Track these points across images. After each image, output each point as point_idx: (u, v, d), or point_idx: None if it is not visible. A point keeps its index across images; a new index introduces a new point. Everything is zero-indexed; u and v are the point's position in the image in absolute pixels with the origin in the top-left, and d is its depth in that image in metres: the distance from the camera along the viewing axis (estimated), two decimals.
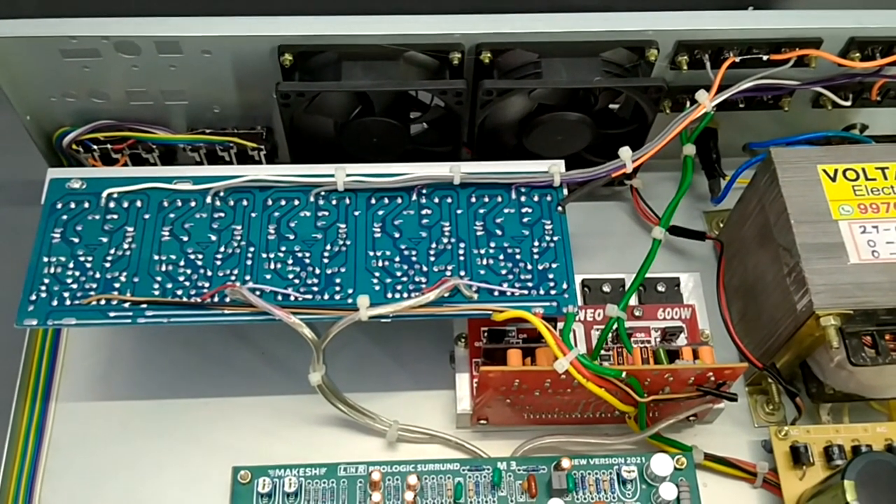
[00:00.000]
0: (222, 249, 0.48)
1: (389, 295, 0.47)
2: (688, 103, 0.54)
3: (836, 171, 0.49)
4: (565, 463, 0.48)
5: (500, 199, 0.50)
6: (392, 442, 0.52)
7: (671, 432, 0.51)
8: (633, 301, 0.53)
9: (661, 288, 0.53)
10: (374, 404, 0.52)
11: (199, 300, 0.46)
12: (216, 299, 0.46)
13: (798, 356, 0.50)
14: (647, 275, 0.51)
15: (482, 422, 0.51)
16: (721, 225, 0.58)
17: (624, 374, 0.45)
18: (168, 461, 0.51)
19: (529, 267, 0.48)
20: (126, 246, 0.48)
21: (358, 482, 0.48)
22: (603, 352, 0.51)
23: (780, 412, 0.53)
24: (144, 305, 0.46)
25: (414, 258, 0.48)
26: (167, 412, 0.52)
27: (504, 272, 0.48)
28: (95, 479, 0.50)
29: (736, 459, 0.50)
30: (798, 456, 0.48)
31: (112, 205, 0.49)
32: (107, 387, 0.53)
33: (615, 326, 0.50)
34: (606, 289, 0.53)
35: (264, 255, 0.48)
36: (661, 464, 0.47)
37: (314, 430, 0.52)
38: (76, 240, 0.48)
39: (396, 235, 0.49)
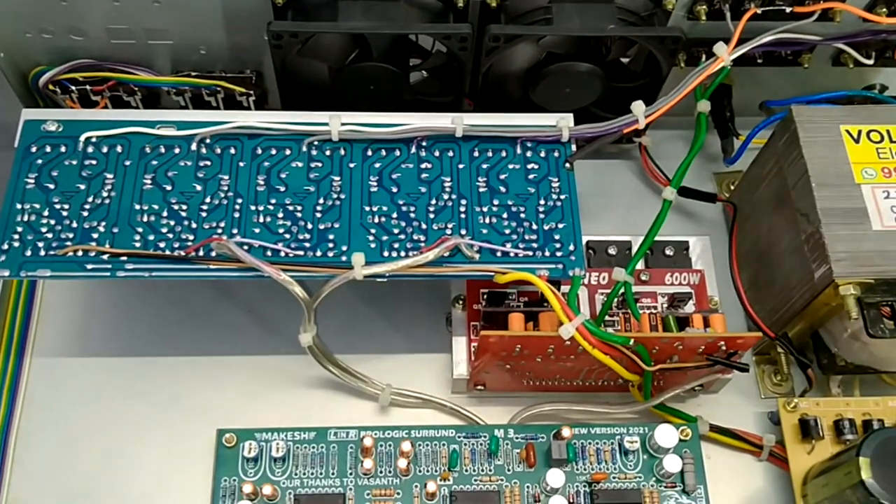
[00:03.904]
0: (208, 200, 0.45)
1: (386, 253, 0.44)
2: (703, 57, 0.51)
3: (859, 132, 0.46)
4: (566, 432, 0.46)
5: (504, 153, 0.47)
6: (384, 406, 0.49)
7: (675, 402, 0.49)
8: (640, 265, 0.50)
9: (668, 252, 0.51)
10: (366, 367, 0.49)
11: (182, 254, 0.43)
12: (201, 253, 0.43)
13: (811, 326, 0.48)
14: (655, 238, 0.49)
15: (479, 387, 0.49)
16: (732, 187, 0.56)
17: (632, 342, 0.43)
18: (149, 422, 0.49)
19: (534, 226, 0.45)
20: (105, 194, 0.45)
21: (349, 447, 0.46)
22: (608, 317, 0.49)
23: (788, 383, 0.51)
24: (124, 258, 0.43)
25: (412, 215, 0.45)
26: (148, 370, 0.50)
27: (507, 231, 0.45)
28: (72, 437, 0.48)
29: (742, 431, 0.49)
30: (807, 429, 0.47)
31: (90, 149, 0.46)
32: (84, 342, 0.51)
33: (622, 291, 0.47)
34: (612, 251, 0.51)
35: (253, 208, 0.45)
36: (666, 435, 0.45)
37: (303, 393, 0.50)
38: (52, 186, 0.45)
39: (394, 190, 0.46)
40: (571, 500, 0.45)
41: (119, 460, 0.48)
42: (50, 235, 0.44)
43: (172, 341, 0.51)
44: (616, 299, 0.48)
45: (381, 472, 0.46)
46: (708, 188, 0.56)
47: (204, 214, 0.45)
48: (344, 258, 0.44)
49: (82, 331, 0.51)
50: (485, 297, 0.49)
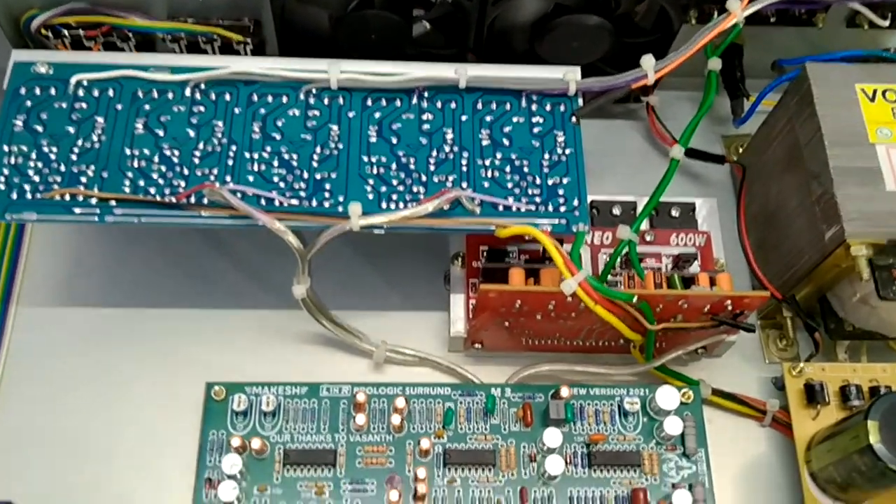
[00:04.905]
0: (201, 146, 0.44)
1: (384, 205, 0.43)
2: (715, 14, 0.50)
3: (874, 91, 0.45)
4: (564, 392, 0.45)
5: (508, 106, 0.46)
6: (379, 363, 0.48)
7: (677, 365, 0.48)
8: (645, 225, 0.49)
9: (674, 213, 0.50)
10: (362, 323, 0.48)
11: (173, 200, 0.42)
12: (192, 200, 0.42)
13: (818, 290, 0.47)
14: (661, 199, 0.47)
15: (476, 346, 0.48)
16: (740, 150, 0.55)
17: (635, 299, 0.41)
18: (136, 374, 0.47)
19: (538, 181, 0.44)
20: (95, 138, 0.43)
21: (341, 403, 0.45)
22: (611, 277, 0.47)
23: (794, 348, 0.50)
24: (113, 202, 0.42)
25: (412, 166, 0.44)
26: (137, 322, 0.49)
27: (510, 185, 0.44)
28: (57, 389, 0.47)
29: (745, 396, 0.48)
30: (812, 394, 0.45)
31: (81, 93, 0.45)
32: (72, 292, 0.49)
33: (626, 251, 0.46)
34: (617, 211, 0.50)
35: (247, 155, 0.43)
36: (667, 397, 0.44)
37: (296, 348, 0.49)
38: (40, 129, 0.43)
39: (394, 141, 0.44)
40: (568, 461, 0.44)
41: (105, 413, 0.47)
42: (37, 178, 0.42)
43: (163, 293, 0.49)
44: (620, 258, 0.47)
45: (373, 428, 0.45)
46: (716, 152, 0.55)
47: (196, 161, 0.43)
48: (340, 209, 0.42)
49: (70, 280, 0.50)
50: (484, 254, 0.48)
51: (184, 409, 0.46)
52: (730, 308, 0.43)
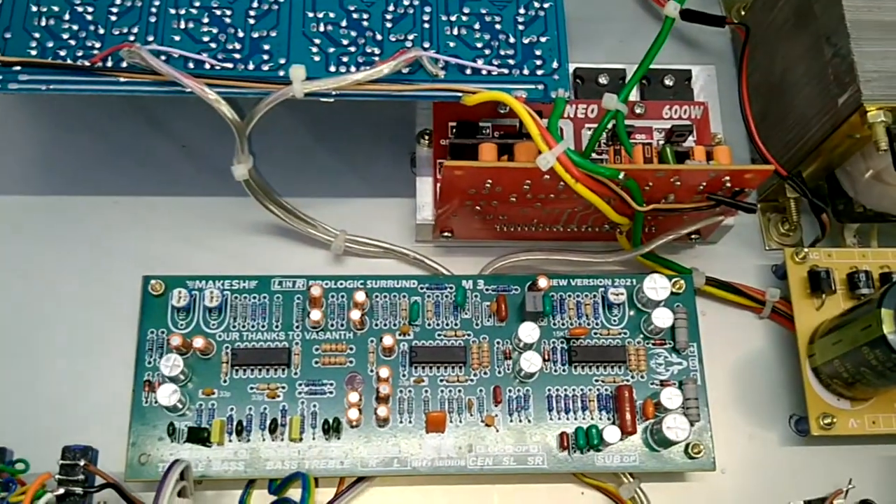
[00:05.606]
0: (119, 2, 0.38)
1: (332, 68, 0.37)
2: None
3: None
4: (542, 282, 0.40)
5: None
6: (338, 255, 0.44)
7: (668, 252, 0.44)
8: (635, 96, 0.44)
9: (668, 82, 0.45)
10: (319, 211, 0.44)
11: (86, 63, 0.36)
12: (109, 63, 0.36)
13: (826, 166, 0.42)
14: (654, 66, 0.42)
15: (446, 234, 0.43)
16: (742, 13, 0.49)
17: (622, 175, 0.36)
18: (68, 268, 0.43)
19: (512, 40, 0.38)
20: None
21: (295, 298, 0.41)
22: (595, 155, 0.42)
23: (797, 233, 0.45)
24: (17, 67, 0.36)
25: (365, 23, 0.38)
26: (69, 211, 0.44)
27: (480, 45, 0.38)
28: None
29: (742, 285, 0.43)
30: (817, 282, 0.41)
31: None
32: None
33: (612, 124, 0.41)
34: (603, 80, 0.45)
35: (173, 11, 0.38)
36: (656, 286, 0.40)
37: (244, 238, 0.44)
38: None
39: None
40: (546, 357, 0.40)
41: (35, 310, 0.42)
42: None
43: (96, 179, 0.45)
44: (605, 132, 0.41)
45: (331, 325, 0.40)
46: (717, 12, 0.49)
47: (114, 18, 0.38)
48: (282, 73, 0.37)
49: None
50: (454, 130, 0.43)
51: (120, 305, 0.42)
52: (728, 185, 0.38)
